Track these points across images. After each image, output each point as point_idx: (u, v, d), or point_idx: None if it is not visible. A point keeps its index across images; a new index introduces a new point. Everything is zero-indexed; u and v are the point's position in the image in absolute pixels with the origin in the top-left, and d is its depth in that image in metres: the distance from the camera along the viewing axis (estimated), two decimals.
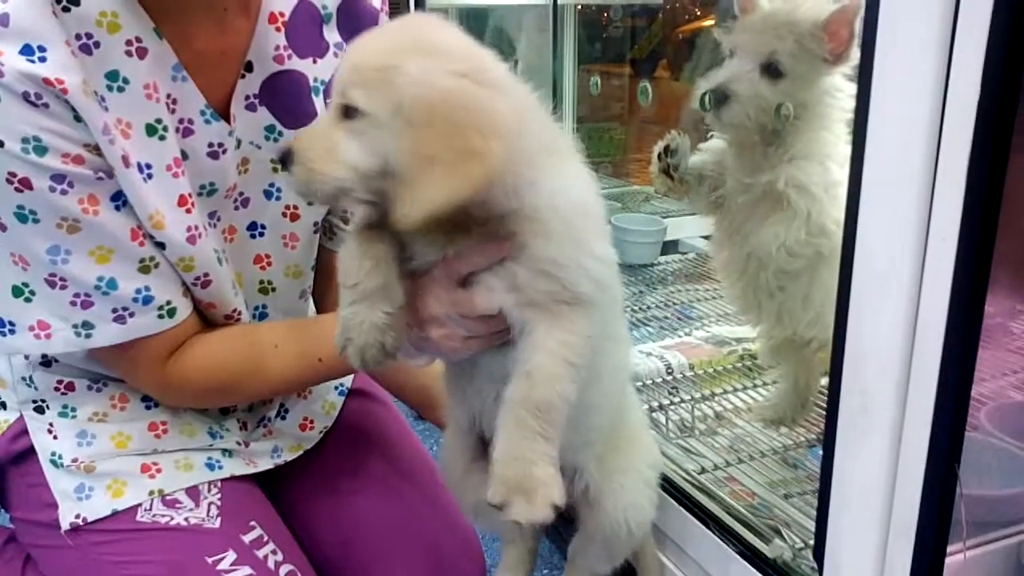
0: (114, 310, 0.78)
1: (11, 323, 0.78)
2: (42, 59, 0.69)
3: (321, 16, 0.88)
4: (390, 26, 0.71)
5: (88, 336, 0.78)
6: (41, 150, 0.70)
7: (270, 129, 0.86)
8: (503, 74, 0.67)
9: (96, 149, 0.73)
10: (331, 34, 0.89)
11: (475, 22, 2.51)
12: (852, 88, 0.99)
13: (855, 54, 0.98)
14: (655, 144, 1.16)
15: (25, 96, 0.68)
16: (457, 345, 0.73)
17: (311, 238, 0.95)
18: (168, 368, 0.84)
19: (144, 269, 0.78)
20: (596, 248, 0.71)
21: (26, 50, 0.68)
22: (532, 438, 0.68)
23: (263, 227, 0.91)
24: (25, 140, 0.69)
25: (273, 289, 0.95)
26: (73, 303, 0.76)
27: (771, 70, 1.00)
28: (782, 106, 1.00)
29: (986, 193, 0.63)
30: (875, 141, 0.69)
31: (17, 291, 0.76)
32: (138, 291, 0.78)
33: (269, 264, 0.93)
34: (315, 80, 0.88)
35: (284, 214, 0.91)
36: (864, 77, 0.69)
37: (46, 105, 0.69)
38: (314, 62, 0.88)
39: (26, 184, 0.71)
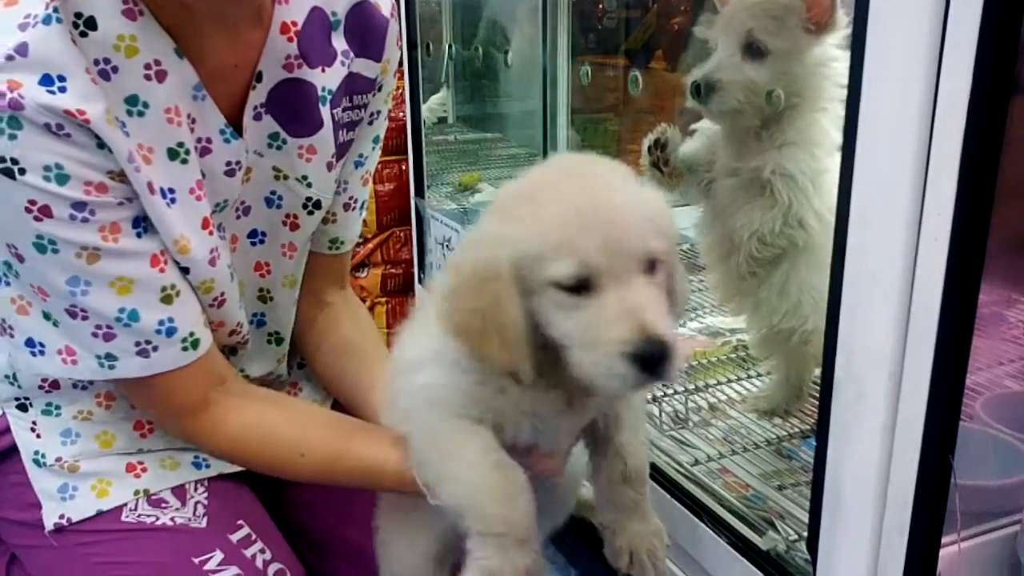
0: (137, 343, 0.76)
1: (42, 344, 0.78)
2: (62, 89, 0.67)
3: (330, 23, 0.86)
4: (594, 173, 0.66)
5: (112, 367, 0.76)
6: (63, 178, 0.68)
7: (273, 137, 0.84)
8: None
9: (120, 175, 0.71)
10: (338, 41, 0.87)
11: (468, 14, 2.49)
12: (846, 58, 0.98)
13: (841, 21, 0.96)
14: (646, 136, 1.15)
15: (47, 127, 0.67)
16: None
17: (305, 248, 0.95)
18: (200, 424, 0.82)
19: (166, 299, 0.76)
20: None
21: (45, 80, 0.66)
22: (634, 508, 0.77)
23: (263, 234, 0.90)
24: (47, 168, 0.67)
25: (271, 298, 0.94)
26: (95, 335, 0.75)
27: (753, 50, 0.98)
28: (773, 92, 0.99)
29: (979, 180, 0.62)
30: (867, 127, 0.68)
31: (46, 315, 0.76)
32: (161, 323, 0.76)
33: (268, 272, 0.92)
34: (323, 89, 0.86)
35: (284, 222, 0.90)
36: (855, 69, 0.68)
37: (68, 135, 0.68)
38: (323, 71, 0.86)
39: (46, 212, 0.69)
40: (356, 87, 0.89)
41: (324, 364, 1.00)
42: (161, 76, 0.74)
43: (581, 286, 0.59)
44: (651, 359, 0.57)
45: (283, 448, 0.83)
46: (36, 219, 0.69)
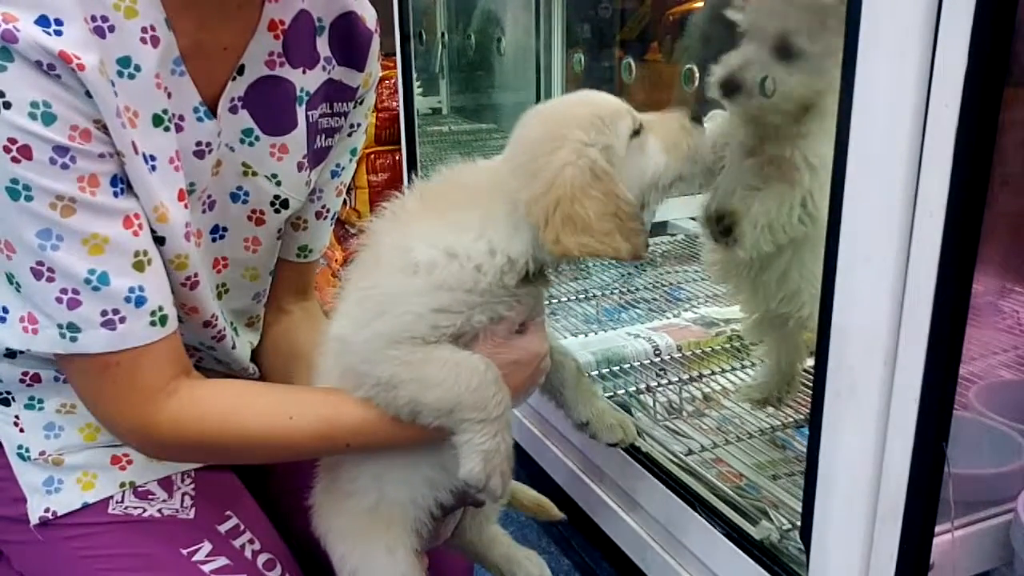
0: (103, 313, 0.71)
1: (5, 309, 0.75)
2: (58, 32, 0.66)
3: (315, 28, 0.86)
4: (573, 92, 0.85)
5: (74, 340, 0.71)
6: (49, 118, 0.66)
7: (247, 132, 0.84)
8: None
9: (105, 128, 0.70)
10: (322, 47, 0.88)
11: (463, 2, 2.47)
12: None
13: None
14: None
15: (39, 64, 0.65)
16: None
17: (273, 244, 0.94)
18: (170, 409, 0.75)
19: (138, 266, 0.73)
20: None
21: (42, 21, 0.65)
22: (595, 392, 0.96)
23: (224, 229, 0.88)
24: (34, 105, 0.65)
25: (226, 291, 0.93)
26: (59, 299, 0.70)
27: (784, 51, 0.92)
28: (766, 79, 0.96)
29: (973, 168, 0.61)
30: (861, 115, 0.67)
31: (9, 278, 0.72)
32: (131, 290, 0.72)
33: (225, 267, 0.91)
34: (301, 90, 0.86)
35: (250, 218, 0.89)
36: (849, 51, 0.67)
37: (59, 76, 0.66)
38: (303, 72, 0.86)
39: (25, 154, 0.66)
40: (337, 95, 0.90)
41: (272, 367, 1.00)
42: (155, 41, 0.73)
43: (639, 130, 0.80)
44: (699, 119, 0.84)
45: (268, 413, 0.78)
46: (14, 160, 0.66)
